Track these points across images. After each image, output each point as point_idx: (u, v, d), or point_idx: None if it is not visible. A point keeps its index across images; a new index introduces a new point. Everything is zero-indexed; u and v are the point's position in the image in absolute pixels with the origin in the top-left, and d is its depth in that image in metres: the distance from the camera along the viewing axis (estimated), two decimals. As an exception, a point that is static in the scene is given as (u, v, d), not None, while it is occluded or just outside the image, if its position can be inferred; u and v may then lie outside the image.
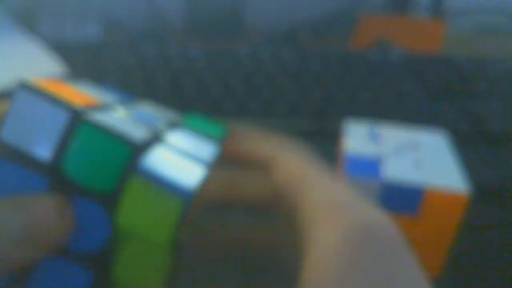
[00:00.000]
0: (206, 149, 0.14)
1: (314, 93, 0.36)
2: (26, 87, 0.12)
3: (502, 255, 0.25)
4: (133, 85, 0.36)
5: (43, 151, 0.12)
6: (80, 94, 0.13)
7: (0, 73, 0.34)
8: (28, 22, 0.47)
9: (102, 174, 0.12)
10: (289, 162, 0.15)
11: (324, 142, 0.32)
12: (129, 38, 0.53)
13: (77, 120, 0.12)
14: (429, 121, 0.34)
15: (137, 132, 0.12)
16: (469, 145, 0.32)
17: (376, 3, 0.60)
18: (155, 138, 0.13)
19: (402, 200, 0.20)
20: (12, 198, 0.11)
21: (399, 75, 0.40)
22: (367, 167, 0.20)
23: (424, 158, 0.21)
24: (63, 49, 0.40)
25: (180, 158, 0.13)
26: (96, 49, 0.41)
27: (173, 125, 0.15)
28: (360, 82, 0.38)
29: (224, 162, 0.16)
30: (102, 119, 0.12)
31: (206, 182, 0.15)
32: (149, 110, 0.16)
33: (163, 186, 0.12)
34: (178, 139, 0.14)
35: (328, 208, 0.13)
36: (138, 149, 0.12)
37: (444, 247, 0.21)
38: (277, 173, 0.15)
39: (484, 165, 0.31)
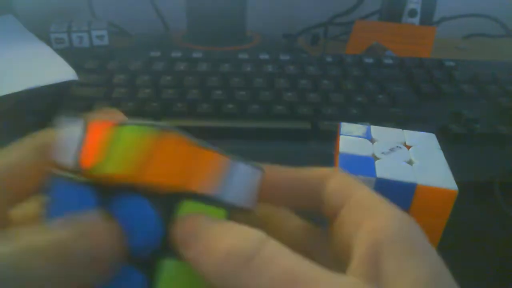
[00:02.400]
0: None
1: (312, 95, 0.37)
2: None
3: (489, 249, 0.26)
4: (139, 88, 0.37)
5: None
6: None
7: (14, 79, 0.36)
8: (40, 30, 0.48)
9: None
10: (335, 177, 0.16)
11: (321, 143, 0.33)
12: (135, 45, 0.55)
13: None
14: (421, 122, 0.35)
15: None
16: (459, 145, 0.33)
17: (370, 9, 0.62)
18: None
19: (395, 197, 0.21)
20: (74, 225, 0.12)
21: (392, 78, 0.42)
22: (362, 166, 0.21)
23: (416, 157, 0.22)
24: (73, 55, 0.41)
25: None
26: (104, 54, 0.43)
27: None
28: (355, 84, 0.40)
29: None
30: None
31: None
32: None
33: None
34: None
35: (380, 199, 0.14)
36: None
37: (434, 242, 0.22)
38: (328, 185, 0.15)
39: (473, 164, 0.32)
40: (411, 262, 0.12)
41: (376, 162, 0.22)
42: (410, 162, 0.22)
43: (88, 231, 0.12)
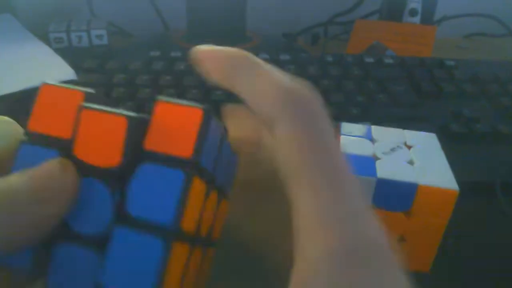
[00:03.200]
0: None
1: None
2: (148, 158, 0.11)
3: (490, 249, 0.26)
4: (139, 87, 0.37)
5: (166, 216, 0.11)
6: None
7: (13, 78, 0.35)
8: (38, 29, 0.48)
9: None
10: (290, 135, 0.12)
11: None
12: (134, 45, 0.54)
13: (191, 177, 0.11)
14: (421, 122, 0.35)
15: None
16: (460, 145, 0.33)
17: (370, 9, 0.61)
18: None
19: (396, 197, 0.21)
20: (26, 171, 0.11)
21: (392, 78, 0.41)
22: (362, 166, 0.21)
23: (417, 157, 0.22)
24: (72, 55, 0.41)
25: None
26: (103, 54, 0.43)
27: None
28: (356, 84, 0.40)
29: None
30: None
31: None
32: None
33: None
34: None
35: (323, 217, 0.11)
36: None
37: (436, 242, 0.22)
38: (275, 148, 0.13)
39: (474, 163, 0.32)
40: None
41: (377, 162, 0.22)
42: (411, 162, 0.22)
43: (37, 173, 0.11)
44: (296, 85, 0.14)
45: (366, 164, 0.21)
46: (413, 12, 0.54)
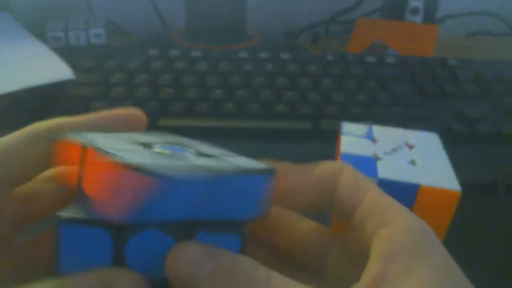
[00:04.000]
0: None
1: (312, 95, 0.37)
2: (65, 221, 0.12)
3: (493, 250, 0.26)
4: (137, 87, 0.37)
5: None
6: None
7: (10, 78, 0.35)
8: (36, 28, 0.47)
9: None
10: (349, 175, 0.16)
11: (322, 143, 0.33)
12: (133, 43, 0.54)
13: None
14: (423, 122, 0.35)
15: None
16: (462, 145, 0.33)
17: (372, 7, 0.61)
18: None
19: (397, 197, 0.21)
20: (98, 274, 0.12)
21: (394, 77, 0.41)
22: (363, 167, 0.21)
23: (418, 157, 0.22)
24: (70, 54, 0.41)
25: None
26: (101, 53, 0.42)
27: None
28: (357, 83, 0.39)
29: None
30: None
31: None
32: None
33: None
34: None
35: (392, 202, 0.15)
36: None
37: None
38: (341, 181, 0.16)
39: (476, 164, 0.32)
40: (419, 262, 0.12)
41: (378, 162, 0.22)
42: (412, 162, 0.22)
43: (111, 282, 0.12)
44: None
45: (367, 164, 0.21)
46: (414, 11, 0.54)
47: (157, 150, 0.14)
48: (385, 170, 0.21)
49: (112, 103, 0.35)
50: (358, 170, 0.18)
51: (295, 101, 0.36)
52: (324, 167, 0.16)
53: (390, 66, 0.43)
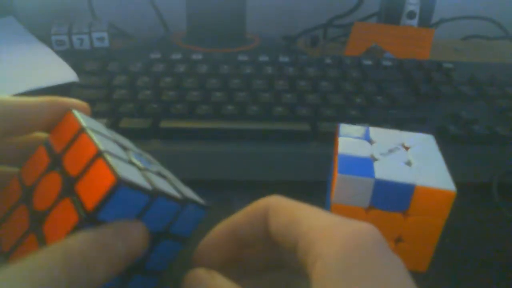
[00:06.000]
0: None
1: (311, 97, 0.37)
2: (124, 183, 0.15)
3: (488, 250, 0.27)
4: (139, 89, 0.37)
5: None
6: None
7: (15, 80, 0.36)
8: (40, 32, 0.48)
9: None
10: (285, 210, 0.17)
11: (321, 144, 0.33)
12: (135, 47, 0.55)
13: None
14: (419, 123, 0.36)
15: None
16: (457, 146, 0.34)
17: (369, 11, 0.62)
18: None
19: (393, 197, 0.21)
20: (114, 226, 0.15)
21: (390, 80, 0.42)
22: (360, 167, 0.21)
23: (414, 158, 0.22)
24: (74, 57, 0.42)
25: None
26: (104, 56, 0.43)
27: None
28: (354, 86, 0.40)
29: None
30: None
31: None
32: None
33: None
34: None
35: (323, 228, 0.15)
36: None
37: (433, 243, 0.22)
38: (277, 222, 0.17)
39: (471, 165, 0.32)
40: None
41: (375, 163, 0.22)
42: (408, 163, 0.22)
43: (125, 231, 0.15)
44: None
45: (364, 165, 0.22)
46: (411, 15, 0.55)
47: (133, 160, 0.18)
48: (381, 171, 0.21)
49: (115, 105, 0.35)
50: (351, 174, 0.19)
51: (294, 103, 0.36)
52: (248, 212, 0.18)
53: (387, 69, 0.44)
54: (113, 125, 0.33)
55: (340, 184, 0.21)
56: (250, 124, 0.34)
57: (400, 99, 0.38)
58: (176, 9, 0.56)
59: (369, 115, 0.36)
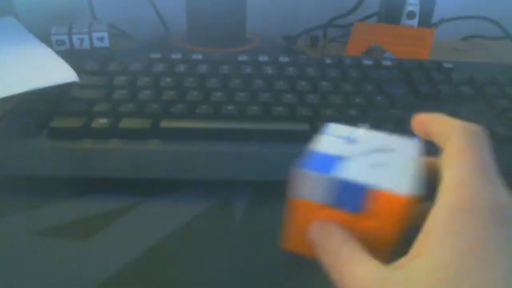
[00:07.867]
0: None
1: (311, 97, 0.37)
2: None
3: None
4: (139, 89, 0.37)
5: None
6: None
7: (15, 80, 0.36)
8: (41, 32, 0.48)
9: None
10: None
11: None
12: (135, 47, 0.55)
13: None
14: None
15: None
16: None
17: (369, 11, 0.62)
18: None
19: (346, 197, 0.20)
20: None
21: (390, 80, 0.42)
22: (320, 164, 0.21)
23: (387, 161, 0.21)
24: (74, 57, 0.42)
25: None
26: (104, 56, 0.43)
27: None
28: (354, 86, 0.40)
29: None
30: None
31: None
32: None
33: None
34: None
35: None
36: None
37: (386, 247, 0.20)
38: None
39: None
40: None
41: (342, 162, 0.21)
42: (377, 166, 0.21)
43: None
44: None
45: (327, 162, 0.21)
46: (411, 15, 0.55)
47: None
48: (342, 170, 0.20)
49: (115, 105, 0.35)
50: (307, 169, 0.21)
51: (294, 103, 0.36)
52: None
53: (386, 69, 0.44)
54: (113, 125, 0.33)
55: (297, 178, 0.21)
56: (250, 124, 0.34)
57: (400, 99, 0.38)
58: (176, 9, 0.56)
59: (369, 115, 0.36)
